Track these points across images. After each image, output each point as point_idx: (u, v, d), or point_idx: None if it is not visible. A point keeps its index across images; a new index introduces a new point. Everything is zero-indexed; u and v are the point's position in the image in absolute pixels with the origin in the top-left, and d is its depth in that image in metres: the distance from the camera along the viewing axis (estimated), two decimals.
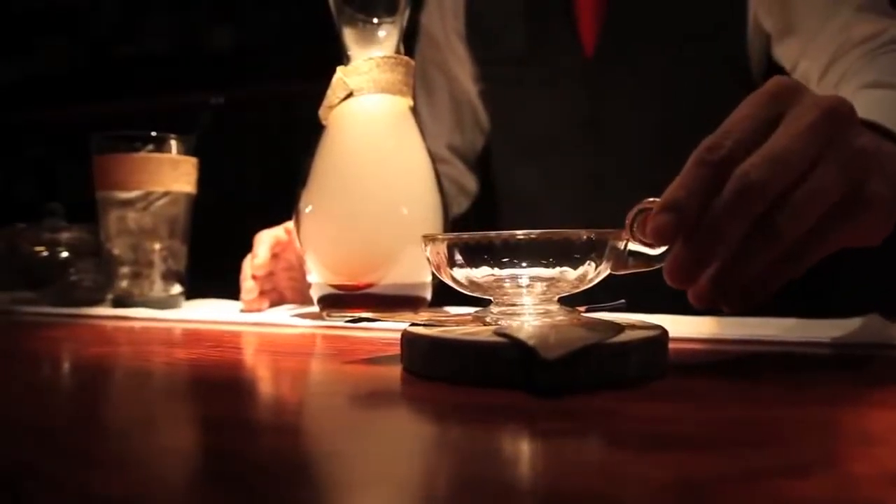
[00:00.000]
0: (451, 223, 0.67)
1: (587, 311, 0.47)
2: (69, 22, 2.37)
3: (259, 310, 0.74)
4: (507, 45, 0.95)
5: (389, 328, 0.59)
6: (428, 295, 0.66)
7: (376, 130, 0.64)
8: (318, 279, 0.65)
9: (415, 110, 0.67)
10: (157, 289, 0.77)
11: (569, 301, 0.45)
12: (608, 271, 0.43)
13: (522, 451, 0.28)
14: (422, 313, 0.48)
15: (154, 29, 2.24)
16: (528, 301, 0.43)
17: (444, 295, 0.64)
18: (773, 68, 0.85)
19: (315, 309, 0.68)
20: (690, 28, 0.86)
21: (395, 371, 0.41)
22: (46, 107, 2.30)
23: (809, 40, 0.78)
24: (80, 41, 2.33)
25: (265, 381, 0.40)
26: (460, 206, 1.09)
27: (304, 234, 0.65)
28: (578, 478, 0.24)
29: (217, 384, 0.40)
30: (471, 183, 1.10)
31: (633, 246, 0.43)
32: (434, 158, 0.67)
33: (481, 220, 1.11)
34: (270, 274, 0.75)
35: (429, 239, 0.43)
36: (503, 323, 0.41)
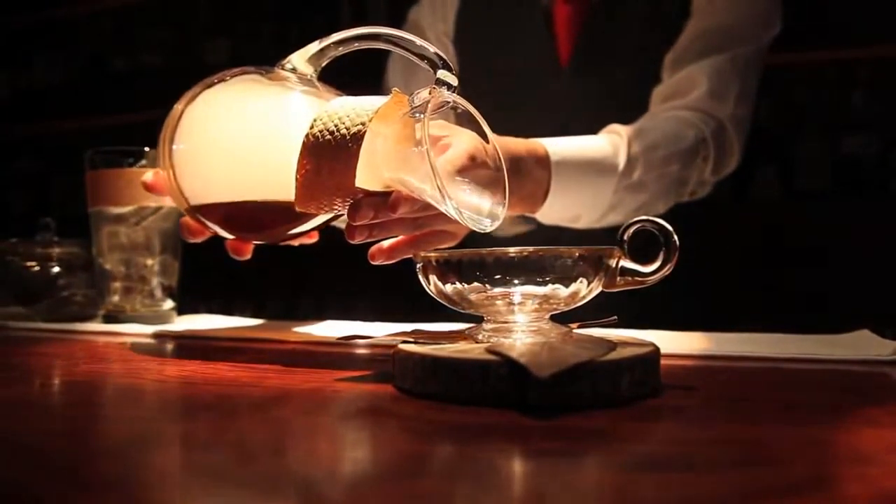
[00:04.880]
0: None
1: (579, 327, 0.47)
2: (66, 36, 2.37)
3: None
4: (489, 52, 1.00)
5: (382, 344, 0.59)
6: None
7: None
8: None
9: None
10: (149, 304, 0.77)
11: (561, 317, 0.45)
12: (600, 288, 0.43)
13: (515, 471, 0.27)
14: (414, 331, 0.48)
15: (150, 43, 2.24)
16: (520, 318, 0.43)
17: (435, 310, 0.64)
18: None
19: (312, 326, 0.67)
20: (653, 45, 0.92)
21: (387, 389, 0.41)
22: (42, 120, 2.30)
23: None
24: (76, 55, 2.34)
25: (256, 399, 0.40)
26: None
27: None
28: (572, 499, 0.24)
29: (208, 402, 0.40)
30: None
31: (625, 263, 0.43)
32: None
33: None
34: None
35: (420, 255, 0.43)
36: (495, 340, 0.41)
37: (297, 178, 0.48)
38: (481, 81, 1.03)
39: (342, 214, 0.52)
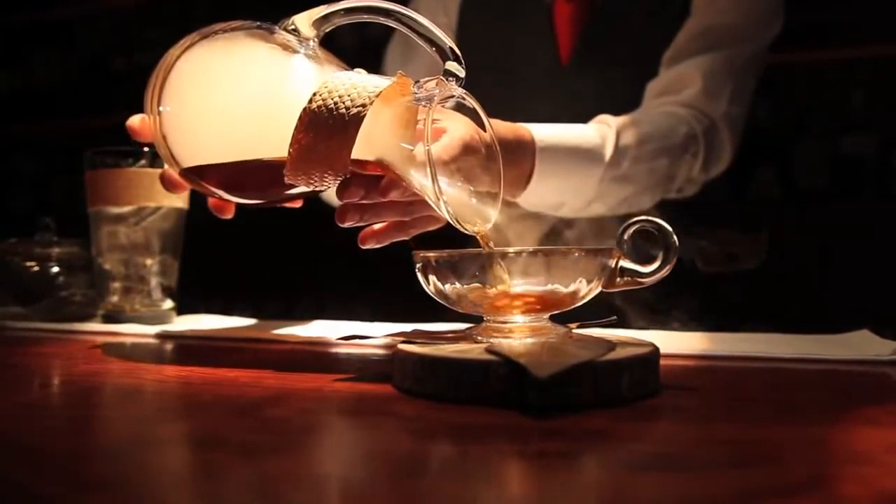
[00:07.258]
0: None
1: (579, 327, 0.47)
2: (65, 35, 2.37)
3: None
4: (490, 47, 1.00)
5: (381, 344, 0.59)
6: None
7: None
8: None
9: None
10: (149, 304, 0.77)
11: (560, 317, 0.45)
12: (599, 288, 0.43)
13: (515, 471, 0.27)
14: (414, 331, 0.48)
15: (150, 43, 2.24)
16: (519, 318, 0.43)
17: (435, 310, 0.64)
18: None
19: (305, 327, 0.67)
20: (654, 45, 0.92)
21: (386, 389, 0.41)
22: (42, 120, 2.30)
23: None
24: (76, 54, 2.34)
25: (255, 399, 0.40)
26: None
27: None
28: (572, 499, 0.24)
29: (208, 402, 0.40)
30: None
31: (625, 263, 0.43)
32: None
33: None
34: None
35: (420, 255, 0.43)
36: (495, 340, 0.41)
37: (289, 151, 0.47)
38: (481, 77, 1.03)
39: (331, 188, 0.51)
